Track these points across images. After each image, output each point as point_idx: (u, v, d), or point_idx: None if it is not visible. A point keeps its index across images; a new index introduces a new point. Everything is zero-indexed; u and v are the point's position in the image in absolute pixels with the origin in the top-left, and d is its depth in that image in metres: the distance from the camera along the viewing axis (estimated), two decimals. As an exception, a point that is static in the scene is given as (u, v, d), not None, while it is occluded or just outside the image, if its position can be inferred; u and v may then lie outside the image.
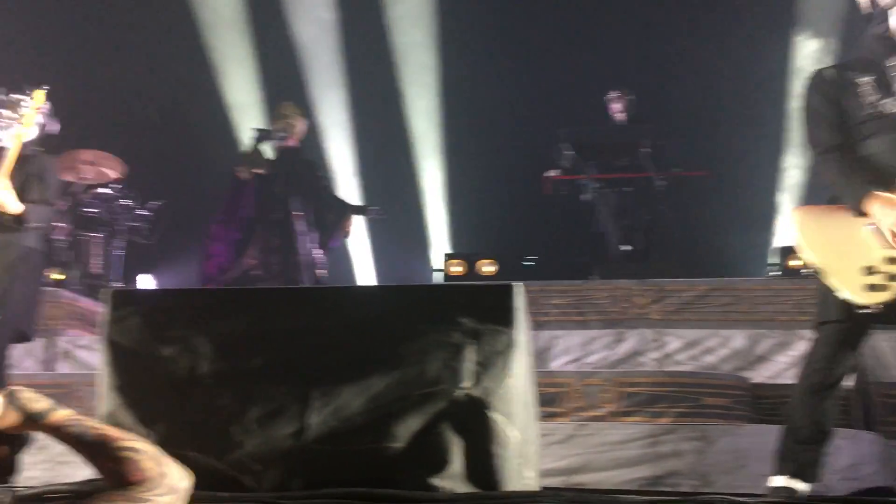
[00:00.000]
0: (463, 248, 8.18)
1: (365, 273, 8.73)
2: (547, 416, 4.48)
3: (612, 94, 7.15)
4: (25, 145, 4.12)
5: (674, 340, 5.47)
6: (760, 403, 4.64)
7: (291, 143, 6.80)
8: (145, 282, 8.05)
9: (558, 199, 7.15)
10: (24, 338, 4.12)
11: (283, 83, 8.59)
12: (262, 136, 6.80)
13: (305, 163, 6.92)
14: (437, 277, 7.42)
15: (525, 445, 2.49)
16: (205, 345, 2.49)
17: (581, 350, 5.53)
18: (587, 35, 8.41)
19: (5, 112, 4.17)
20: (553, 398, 4.65)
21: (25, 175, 4.07)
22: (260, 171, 6.69)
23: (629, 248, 6.67)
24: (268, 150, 6.98)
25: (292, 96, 7.51)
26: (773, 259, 6.45)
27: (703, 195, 7.18)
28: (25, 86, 4.27)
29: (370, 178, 8.83)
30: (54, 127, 4.37)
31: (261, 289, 5.39)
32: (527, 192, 7.91)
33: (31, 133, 4.19)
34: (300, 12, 8.79)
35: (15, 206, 3.86)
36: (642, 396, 4.53)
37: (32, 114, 3.97)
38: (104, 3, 8.87)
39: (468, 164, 8.53)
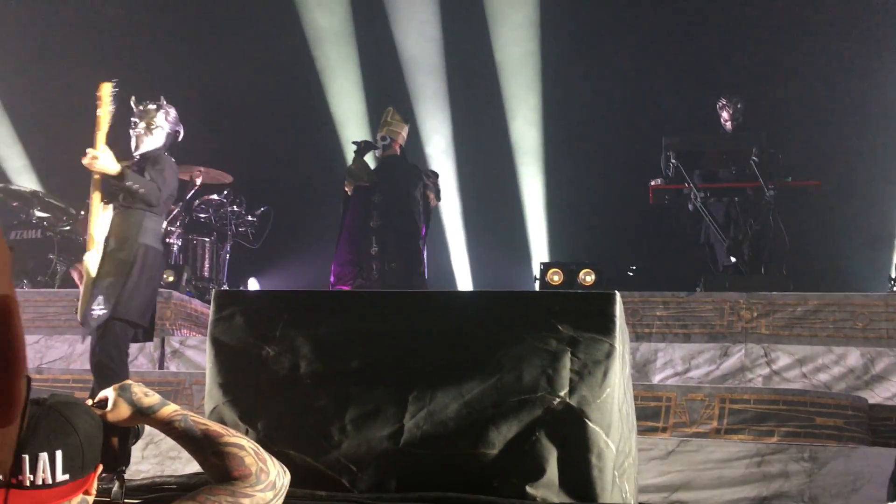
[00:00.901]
0: (561, 258, 8.09)
1: (463, 281, 8.76)
2: (647, 431, 4.38)
3: (722, 102, 6.95)
4: (150, 149, 4.39)
5: (783, 356, 5.26)
6: (877, 425, 4.41)
7: (394, 149, 6.88)
8: (253, 285, 8.32)
9: (662, 209, 6.99)
10: (138, 336, 4.30)
11: (387, 94, 8.74)
12: (364, 148, 6.90)
13: (407, 168, 6.97)
14: (536, 286, 7.37)
15: (622, 458, 2.43)
16: (304, 345, 2.54)
17: (684, 363, 5.38)
18: (695, 41, 8.21)
19: (137, 119, 4.45)
20: (654, 412, 4.55)
21: (144, 167, 4.30)
22: (364, 183, 6.77)
23: (736, 259, 6.45)
24: (370, 161, 7.10)
25: (394, 106, 7.63)
26: (894, 273, 6.12)
27: (817, 206, 6.87)
28: (155, 94, 4.54)
29: (471, 186, 8.86)
30: (178, 131, 4.59)
31: (359, 292, 5.48)
32: (629, 202, 7.77)
33: (158, 139, 4.44)
34: (405, 28, 8.92)
35: (113, 166, 4.07)
36: (748, 414, 4.38)
37: (103, 106, 4.19)
38: (219, 16, 9.25)
39: (568, 173, 8.45)
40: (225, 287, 7.21)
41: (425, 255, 6.85)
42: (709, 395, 4.61)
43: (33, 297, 6.60)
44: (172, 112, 4.54)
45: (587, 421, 2.31)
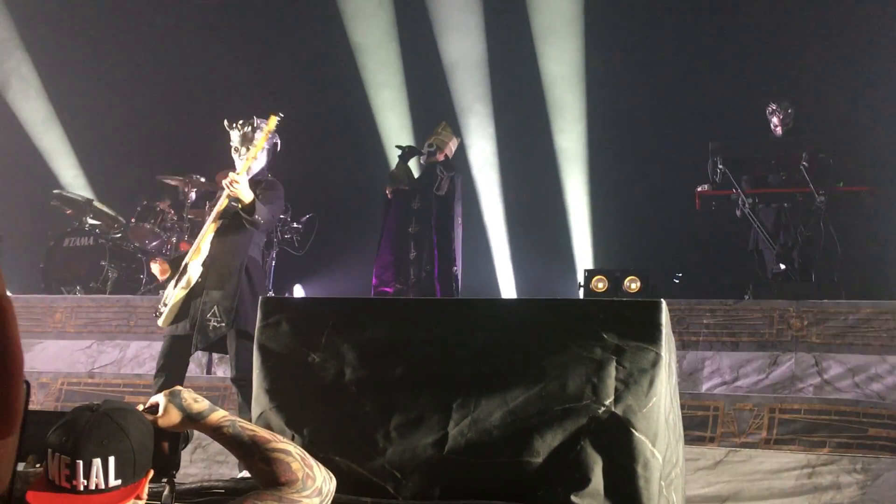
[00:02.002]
0: (606, 265, 8.03)
1: (507, 289, 8.74)
2: (694, 440, 4.32)
3: (772, 107, 6.83)
4: (257, 170, 4.46)
5: (835, 366, 5.15)
6: (933, 437, 4.29)
7: (438, 158, 6.92)
8: (299, 291, 8.41)
9: (709, 215, 6.89)
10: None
11: (431, 104, 8.78)
12: (408, 153, 6.98)
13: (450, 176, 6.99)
14: (581, 294, 7.32)
15: (669, 468, 2.40)
16: (349, 352, 2.55)
17: (732, 372, 5.30)
18: (743, 45, 8.10)
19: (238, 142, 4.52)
20: (701, 422, 4.49)
21: (256, 191, 4.36)
22: (403, 187, 6.85)
23: (786, 266, 6.33)
24: (412, 167, 7.14)
25: (439, 117, 7.66)
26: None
27: (869, 212, 6.71)
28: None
29: (514, 194, 8.84)
30: (276, 143, 4.64)
31: (404, 299, 5.51)
32: (675, 208, 7.68)
33: (261, 159, 4.50)
34: (449, 37, 8.94)
35: (249, 195, 4.15)
36: (799, 424, 4.30)
37: (264, 137, 4.34)
38: (265, 27, 9.40)
39: (613, 179, 8.38)
40: (271, 294, 7.29)
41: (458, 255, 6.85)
42: (758, 405, 4.54)
43: (85, 302, 6.76)
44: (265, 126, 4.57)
45: (633, 430, 2.29)
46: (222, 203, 4.28)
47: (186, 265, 4.23)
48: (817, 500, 3.66)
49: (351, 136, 9.08)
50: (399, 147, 7.10)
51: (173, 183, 7.80)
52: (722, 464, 3.96)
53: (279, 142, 4.66)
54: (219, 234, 4.30)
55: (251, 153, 4.29)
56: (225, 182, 4.15)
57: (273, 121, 4.34)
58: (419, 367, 2.51)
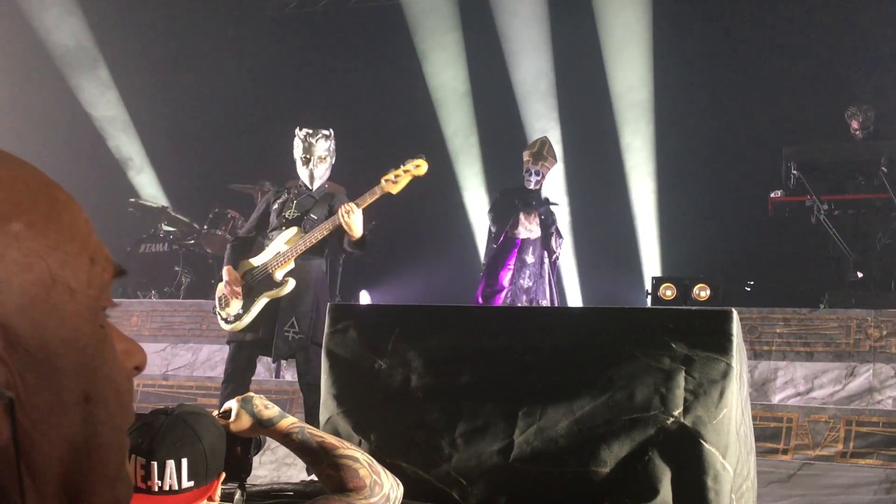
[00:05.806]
0: (675, 272, 7.88)
1: (573, 297, 8.66)
2: (767, 452, 4.22)
3: (851, 110, 6.62)
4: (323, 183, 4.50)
5: (916, 378, 4.96)
6: None
7: (541, 184, 6.47)
8: (365, 297, 8.49)
9: (783, 222, 6.72)
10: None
11: (499, 117, 8.77)
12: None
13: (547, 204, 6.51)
14: (648, 302, 7.21)
15: (740, 481, 2.35)
16: (416, 359, 2.57)
17: (806, 383, 5.15)
18: (819, 45, 7.87)
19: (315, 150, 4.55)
20: (774, 433, 4.39)
21: (330, 210, 4.39)
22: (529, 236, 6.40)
23: (863, 275, 6.13)
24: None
25: (507, 131, 7.58)
26: None
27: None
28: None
29: (580, 199, 8.76)
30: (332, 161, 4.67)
31: (470, 307, 5.47)
32: (746, 214, 7.51)
33: (328, 170, 4.52)
34: (518, 56, 8.92)
35: (360, 231, 4.18)
36: (877, 437, 4.16)
37: (407, 179, 4.42)
38: (337, 39, 9.55)
39: (682, 183, 8.22)
40: (338, 300, 7.38)
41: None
42: (834, 417, 4.41)
43: (160, 307, 6.96)
44: (333, 140, 4.57)
45: (703, 442, 2.24)
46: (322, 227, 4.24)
47: (271, 274, 4.27)
48: (897, 517, 3.53)
49: (416, 145, 9.13)
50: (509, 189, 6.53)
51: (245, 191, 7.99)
52: (796, 477, 3.86)
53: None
54: (294, 244, 4.32)
55: (376, 193, 4.24)
56: (341, 210, 4.12)
57: (422, 167, 4.37)
58: (485, 374, 2.52)
